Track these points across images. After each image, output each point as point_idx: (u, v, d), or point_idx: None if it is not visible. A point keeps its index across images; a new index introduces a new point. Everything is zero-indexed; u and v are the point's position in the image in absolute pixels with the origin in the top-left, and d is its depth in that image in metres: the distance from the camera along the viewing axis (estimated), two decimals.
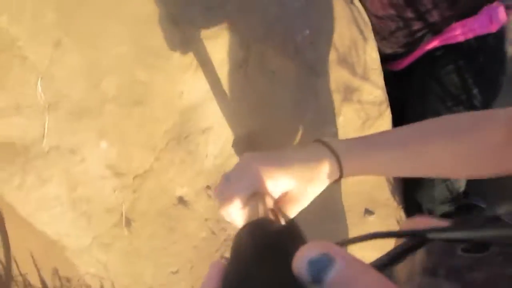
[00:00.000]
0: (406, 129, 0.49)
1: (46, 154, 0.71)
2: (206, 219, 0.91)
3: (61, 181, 0.72)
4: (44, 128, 0.71)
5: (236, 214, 0.41)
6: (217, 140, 0.92)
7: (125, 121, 0.76)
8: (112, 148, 0.75)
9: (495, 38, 1.08)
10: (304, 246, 0.18)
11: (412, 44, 1.16)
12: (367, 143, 0.47)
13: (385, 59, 1.20)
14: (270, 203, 0.41)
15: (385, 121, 1.15)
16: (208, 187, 0.93)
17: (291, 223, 0.30)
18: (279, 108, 0.97)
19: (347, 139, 0.48)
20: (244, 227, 0.31)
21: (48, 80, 0.71)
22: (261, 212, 0.36)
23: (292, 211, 0.44)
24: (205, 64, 0.85)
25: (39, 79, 0.71)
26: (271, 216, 0.37)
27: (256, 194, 0.41)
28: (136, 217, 0.80)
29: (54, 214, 0.73)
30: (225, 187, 0.43)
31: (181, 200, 0.87)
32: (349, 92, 1.08)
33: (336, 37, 1.05)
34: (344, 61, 1.08)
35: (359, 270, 0.16)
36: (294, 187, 0.43)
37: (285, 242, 0.25)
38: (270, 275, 0.21)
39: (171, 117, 0.82)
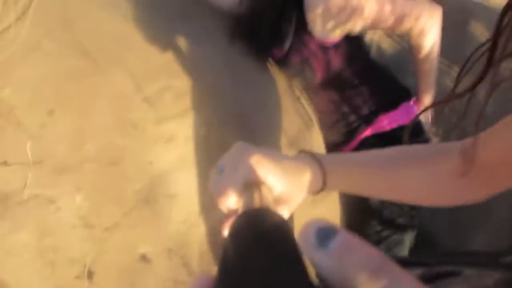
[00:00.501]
0: (387, 153, 0.51)
1: (25, 202, 0.79)
2: (166, 279, 0.96)
3: (34, 228, 0.79)
4: (27, 180, 0.81)
5: (232, 205, 0.41)
6: (182, 208, 1.03)
7: (100, 178, 0.87)
8: (86, 201, 0.85)
9: (416, 125, 1.34)
10: (311, 219, 0.19)
11: (350, 134, 1.40)
12: (350, 160, 0.50)
13: (330, 147, 1.42)
14: (265, 192, 0.40)
15: (330, 202, 1.32)
16: (170, 249, 1.00)
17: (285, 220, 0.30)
18: None
19: (332, 154, 0.53)
20: (241, 216, 0.30)
21: (37, 141, 0.84)
22: (257, 202, 0.36)
23: (282, 213, 0.43)
24: (174, 139, 1.02)
25: (29, 140, 0.84)
26: (269, 206, 0.36)
27: (250, 184, 0.41)
28: (98, 270, 0.85)
29: (20, 262, 0.78)
30: (219, 178, 0.43)
31: (143, 258, 0.93)
32: None
33: (285, 125, 1.27)
34: (293, 146, 1.29)
35: (361, 242, 0.17)
36: (283, 187, 0.43)
37: (285, 230, 0.25)
38: (270, 262, 0.20)
39: (141, 180, 0.95)
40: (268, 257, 0.21)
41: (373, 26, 1.21)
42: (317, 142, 1.35)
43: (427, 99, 1.36)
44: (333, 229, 0.18)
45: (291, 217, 0.49)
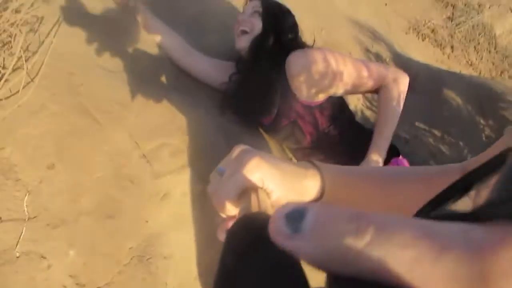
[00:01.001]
0: (387, 169, 0.51)
1: (16, 260, 0.76)
2: None
3: None
4: (20, 237, 0.79)
5: (229, 208, 0.40)
6: (178, 270, 1.00)
7: (95, 232, 0.86)
8: (79, 257, 0.82)
9: None
10: (277, 208, 0.18)
11: None
12: (350, 171, 0.49)
13: None
14: (264, 197, 0.40)
15: None
16: None
17: None
18: None
19: (333, 165, 0.49)
20: (238, 221, 0.30)
21: (35, 195, 0.84)
22: (255, 206, 0.36)
23: None
24: (170, 194, 1.02)
25: (27, 195, 0.84)
26: (268, 211, 0.35)
27: (250, 188, 0.40)
28: None
29: None
30: (219, 182, 0.43)
31: None
32: None
33: None
34: None
35: (332, 210, 0.17)
36: (281, 192, 0.43)
37: None
38: (267, 266, 0.20)
39: (137, 237, 0.93)
40: (265, 262, 0.20)
41: (354, 89, 1.30)
42: None
43: (377, 152, 1.31)
44: (301, 209, 0.17)
45: None
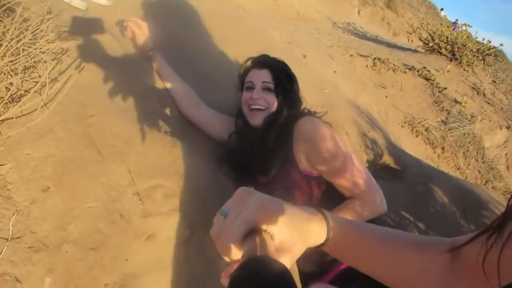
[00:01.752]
0: (383, 228, 0.51)
1: None
2: None
3: None
4: (0, 256, 0.78)
5: (233, 251, 0.39)
6: None
7: (76, 263, 0.84)
8: (53, 286, 0.80)
9: None
10: None
11: (328, 264, 1.34)
12: (352, 223, 0.49)
13: (304, 279, 1.33)
14: (267, 239, 0.39)
15: None
16: None
17: (286, 269, 0.29)
18: None
19: (339, 216, 0.49)
20: (241, 265, 0.29)
21: (23, 215, 0.84)
22: (258, 249, 0.35)
23: (283, 261, 0.41)
24: (155, 236, 1.02)
25: (15, 214, 0.84)
26: (270, 254, 0.35)
27: (253, 231, 0.39)
28: None
29: None
30: (222, 223, 0.42)
31: None
32: None
33: None
34: None
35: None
36: (285, 235, 0.41)
37: (286, 281, 0.26)
38: None
39: (114, 274, 0.91)
40: None
41: (330, 177, 1.27)
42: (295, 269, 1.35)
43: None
44: None
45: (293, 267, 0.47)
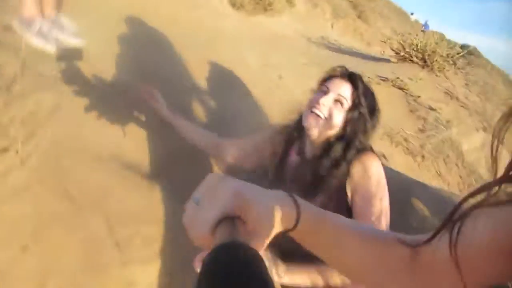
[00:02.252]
0: (351, 220, 0.52)
1: None
2: None
3: None
4: None
5: (205, 239, 0.39)
6: None
7: None
8: None
9: None
10: None
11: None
12: (322, 212, 0.49)
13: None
14: (239, 225, 0.39)
15: None
16: None
17: (258, 253, 0.30)
18: None
19: (312, 204, 0.49)
20: (213, 251, 0.30)
21: (3, 278, 0.83)
22: (230, 234, 0.36)
23: (254, 245, 0.40)
24: (135, 286, 1.02)
25: None
26: (243, 240, 0.35)
27: (225, 218, 0.39)
28: None
29: None
30: (194, 210, 0.41)
31: None
32: None
33: None
34: None
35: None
36: (257, 219, 0.41)
37: (257, 265, 0.26)
38: None
39: None
40: None
41: (359, 215, 1.21)
42: None
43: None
44: None
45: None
